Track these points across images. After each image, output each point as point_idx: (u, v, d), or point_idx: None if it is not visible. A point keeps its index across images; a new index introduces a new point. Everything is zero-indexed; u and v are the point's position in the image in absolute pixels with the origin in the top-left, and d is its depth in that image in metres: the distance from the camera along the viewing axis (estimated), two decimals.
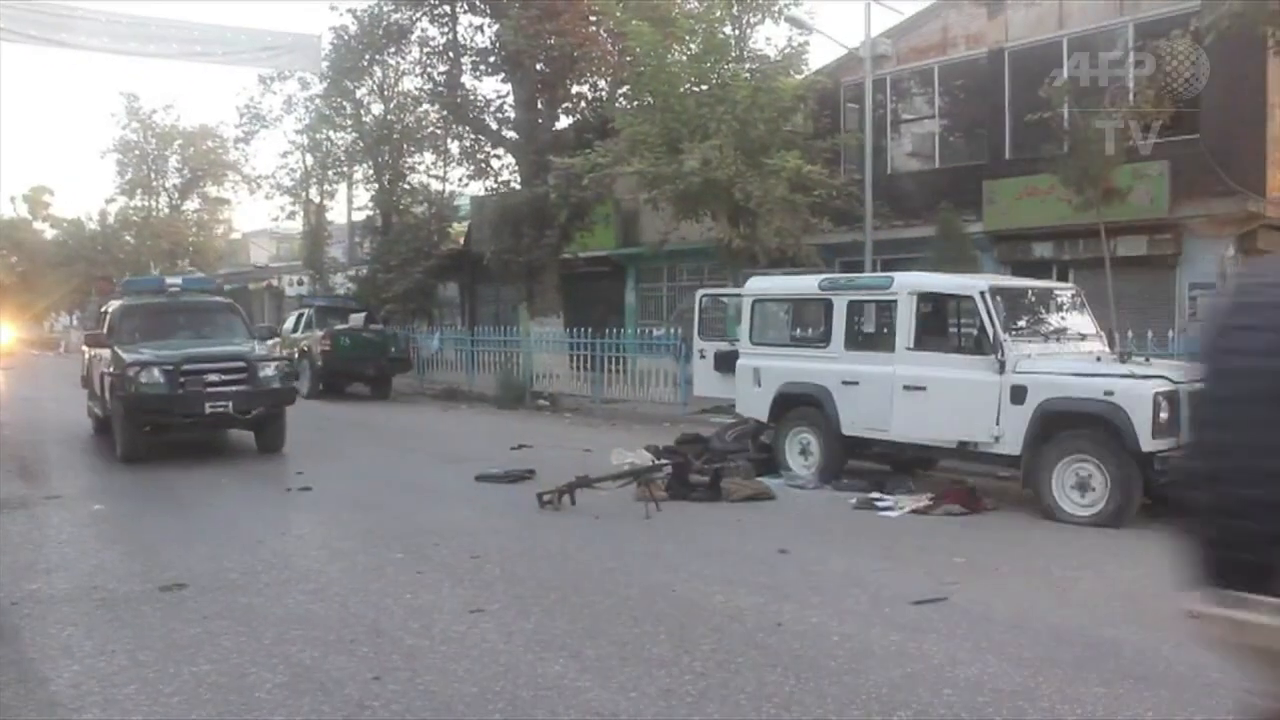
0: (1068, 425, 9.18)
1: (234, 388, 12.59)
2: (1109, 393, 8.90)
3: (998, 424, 9.54)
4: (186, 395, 12.32)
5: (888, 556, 7.81)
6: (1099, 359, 9.91)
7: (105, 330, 14.07)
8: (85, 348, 16.42)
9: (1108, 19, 17.70)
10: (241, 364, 12.84)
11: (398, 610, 6.31)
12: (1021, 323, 10.32)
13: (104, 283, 19.34)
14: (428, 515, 9.44)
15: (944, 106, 20.95)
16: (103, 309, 15.59)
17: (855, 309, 11.27)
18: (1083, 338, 10.48)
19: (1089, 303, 11.18)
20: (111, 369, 12.73)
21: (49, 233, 59.28)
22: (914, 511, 9.52)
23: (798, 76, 18.59)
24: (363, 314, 24.20)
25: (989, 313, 9.72)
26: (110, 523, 9.16)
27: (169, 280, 16.09)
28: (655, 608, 6.35)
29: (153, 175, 51.30)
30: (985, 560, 7.68)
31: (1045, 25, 18.51)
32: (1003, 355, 9.53)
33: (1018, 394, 9.41)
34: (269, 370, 13.13)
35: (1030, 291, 11.18)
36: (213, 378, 12.49)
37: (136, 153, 50.98)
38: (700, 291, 14.34)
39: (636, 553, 7.90)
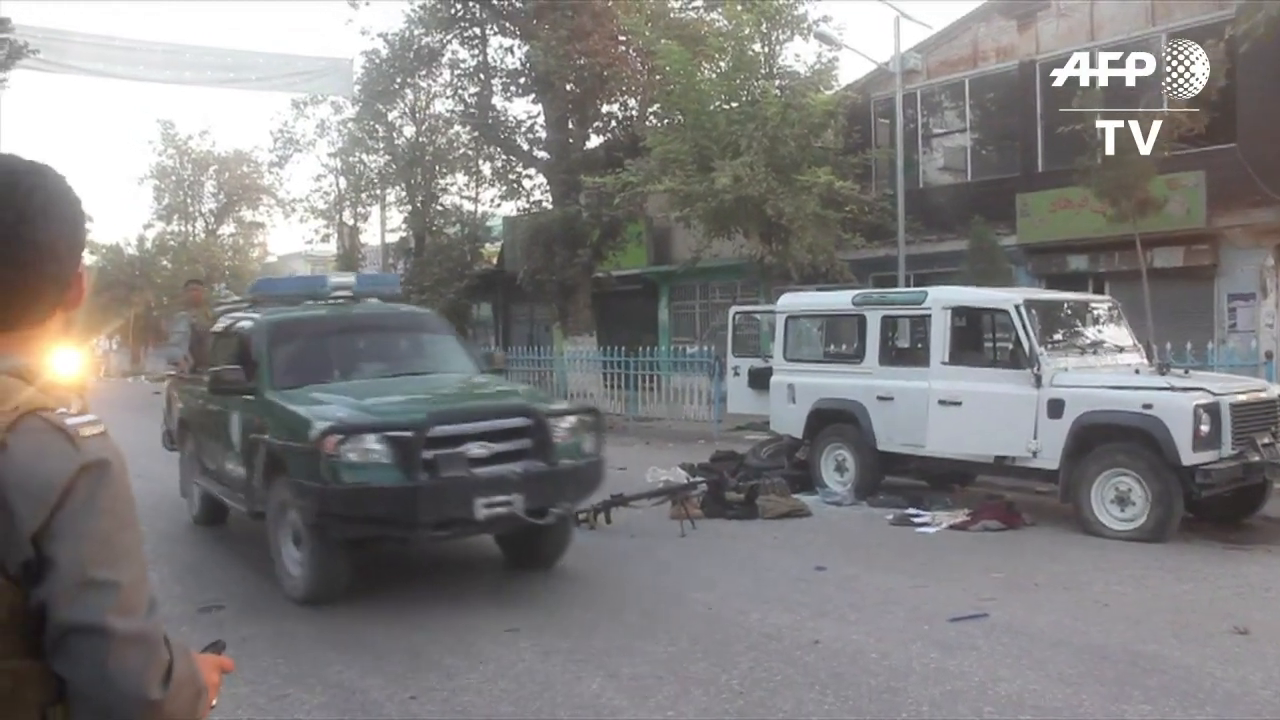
0: (1106, 438, 9.08)
1: (519, 466, 6.97)
2: (1148, 405, 8.80)
3: (1035, 438, 9.45)
4: (441, 487, 6.65)
5: (925, 573, 7.75)
6: (1137, 371, 9.80)
7: (234, 362, 8.21)
8: (173, 389, 11.05)
9: (1140, 29, 17.60)
10: (527, 421, 7.19)
11: (434, 629, 6.32)
12: (1057, 336, 10.24)
13: (194, 289, 11.64)
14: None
15: (975, 120, 20.86)
16: (214, 328, 9.98)
17: (889, 324, 11.21)
18: (1120, 350, 10.37)
19: (1126, 315, 11.08)
20: (276, 437, 7.23)
21: (88, 259, 60.20)
22: (951, 527, 9.45)
23: (828, 92, 18.58)
24: None
25: (1024, 326, 9.64)
26: (151, 544, 9.20)
27: (334, 279, 9.79)
28: (692, 626, 6.33)
29: (189, 200, 52.08)
30: (1024, 576, 7.60)
31: (1076, 36, 18.40)
32: (1039, 369, 9.45)
33: (1055, 408, 9.33)
34: (569, 433, 7.41)
35: (1066, 304, 11.09)
36: (477, 451, 6.82)
37: (173, 178, 51.78)
38: (733, 308, 14.33)
39: (672, 571, 7.88)
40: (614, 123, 24.85)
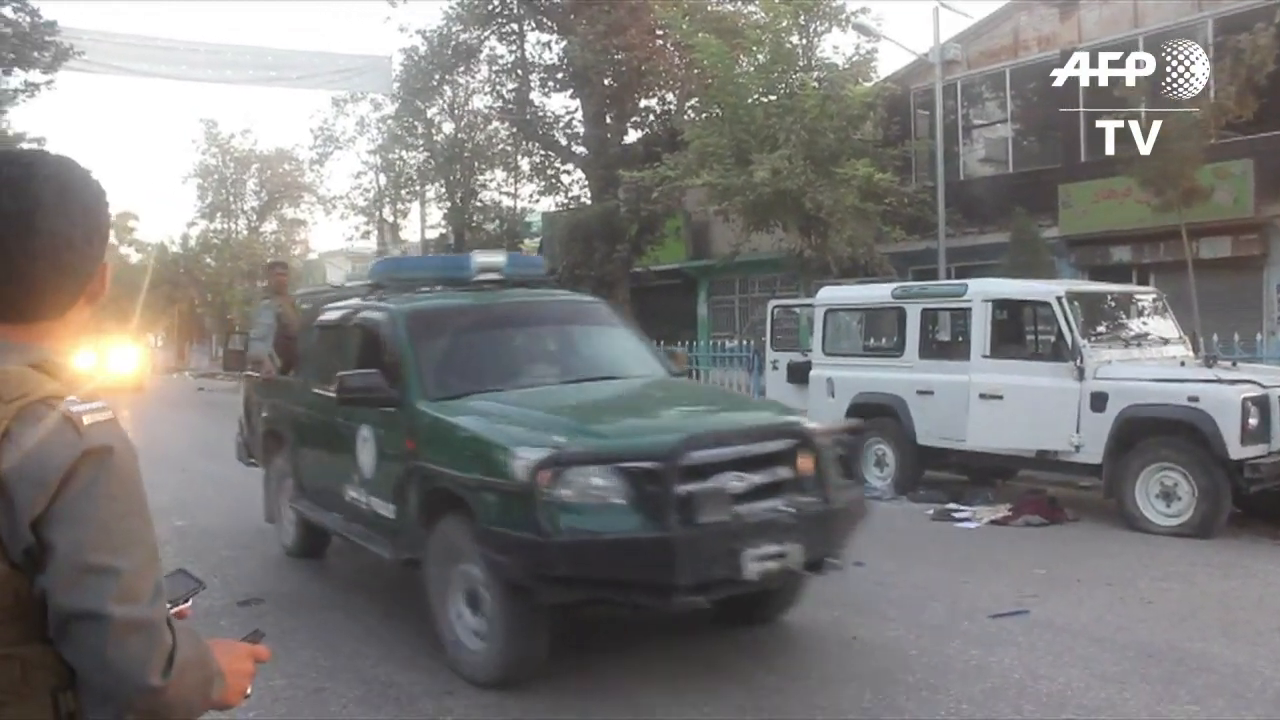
0: (1151, 432, 8.93)
1: (786, 504, 5.24)
2: (1194, 399, 8.64)
3: (1077, 432, 9.32)
4: (702, 537, 4.91)
5: (966, 568, 7.66)
6: (1183, 364, 9.65)
7: (360, 363, 6.48)
8: (254, 393, 9.17)
9: (1185, 15, 17.30)
10: (790, 442, 5.51)
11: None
12: (1101, 328, 10.09)
13: (279, 274, 10.72)
14: None
15: (1016, 110, 20.63)
16: (321, 319, 7.92)
17: (929, 317, 11.10)
18: (1165, 343, 10.21)
19: (1171, 307, 10.90)
20: (444, 465, 5.57)
21: (134, 257, 60.97)
22: (992, 522, 9.35)
23: (866, 84, 18.42)
24: None
25: (1066, 318, 9.51)
26: (192, 538, 9.28)
27: (481, 258, 7.70)
28: (729, 623, 6.28)
29: (232, 198, 52.65)
30: (1067, 571, 7.49)
31: (1120, 24, 18.14)
32: (1081, 361, 9.31)
33: (1098, 401, 9.19)
34: (837, 458, 5.74)
35: (1109, 296, 10.94)
36: (735, 485, 5.12)
37: (216, 177, 52.39)
38: (771, 302, 14.25)
39: None
40: (652, 117, 24.84)
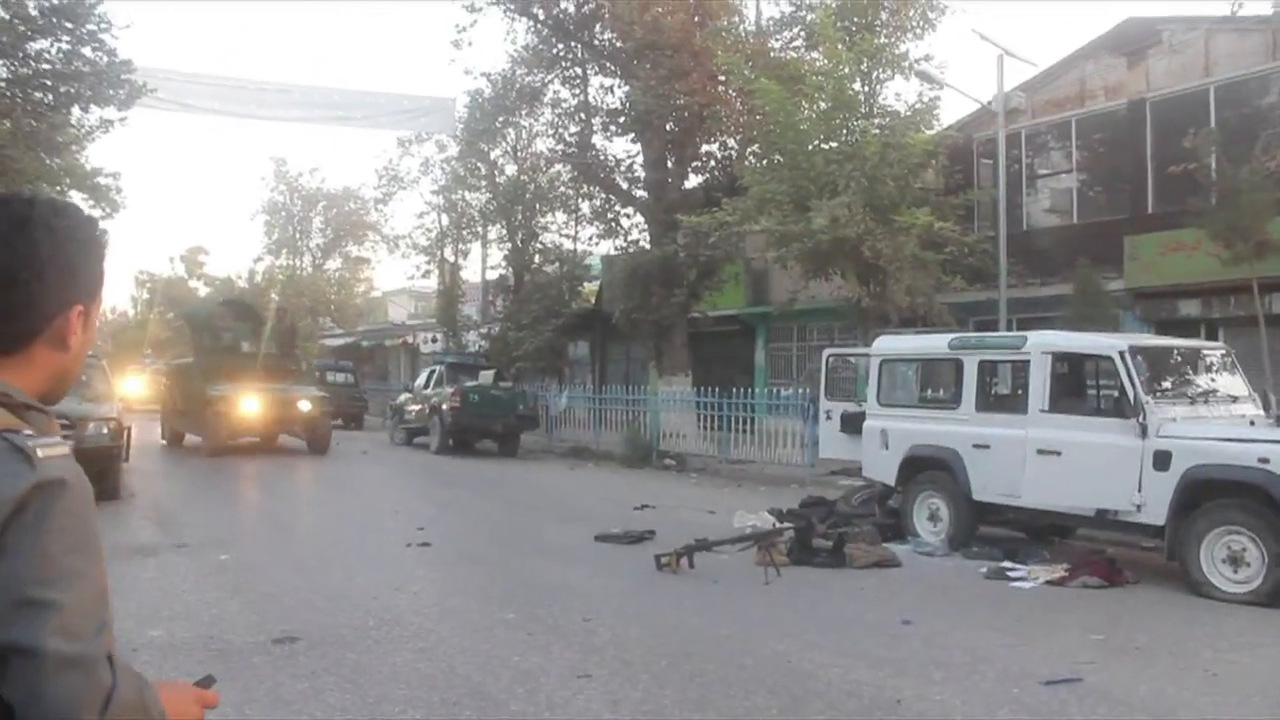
0: (1218, 494, 8.60)
1: None
2: (1264, 460, 8.31)
3: (1139, 491, 9.01)
4: None
5: (1019, 631, 7.38)
6: (1253, 423, 9.31)
7: None
8: None
9: (1259, 64, 16.95)
10: None
11: (504, 672, 6.17)
12: (1165, 384, 9.78)
13: None
14: (543, 574, 9.33)
15: (1082, 160, 20.31)
16: None
17: (987, 369, 10.86)
18: (1234, 400, 9.86)
19: (1241, 363, 10.55)
20: None
21: (202, 290, 62.06)
22: (1049, 583, 9.03)
23: (928, 132, 18.29)
24: (492, 371, 24.48)
25: (1129, 373, 9.22)
26: (233, 573, 9.28)
27: None
28: (769, 679, 6.08)
29: (298, 235, 53.41)
30: (1126, 638, 7.19)
31: (1190, 73, 17.82)
32: (1144, 418, 9.01)
33: (1161, 460, 8.88)
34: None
35: (1175, 351, 10.61)
36: None
37: (283, 214, 53.23)
38: (826, 351, 14.06)
39: (753, 620, 7.64)
40: (712, 162, 24.88)
